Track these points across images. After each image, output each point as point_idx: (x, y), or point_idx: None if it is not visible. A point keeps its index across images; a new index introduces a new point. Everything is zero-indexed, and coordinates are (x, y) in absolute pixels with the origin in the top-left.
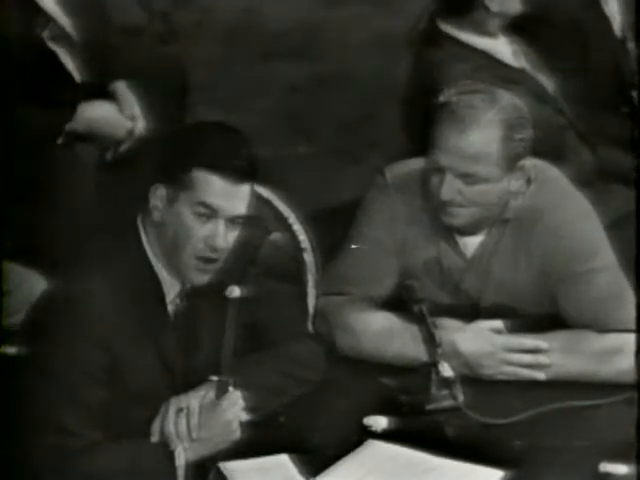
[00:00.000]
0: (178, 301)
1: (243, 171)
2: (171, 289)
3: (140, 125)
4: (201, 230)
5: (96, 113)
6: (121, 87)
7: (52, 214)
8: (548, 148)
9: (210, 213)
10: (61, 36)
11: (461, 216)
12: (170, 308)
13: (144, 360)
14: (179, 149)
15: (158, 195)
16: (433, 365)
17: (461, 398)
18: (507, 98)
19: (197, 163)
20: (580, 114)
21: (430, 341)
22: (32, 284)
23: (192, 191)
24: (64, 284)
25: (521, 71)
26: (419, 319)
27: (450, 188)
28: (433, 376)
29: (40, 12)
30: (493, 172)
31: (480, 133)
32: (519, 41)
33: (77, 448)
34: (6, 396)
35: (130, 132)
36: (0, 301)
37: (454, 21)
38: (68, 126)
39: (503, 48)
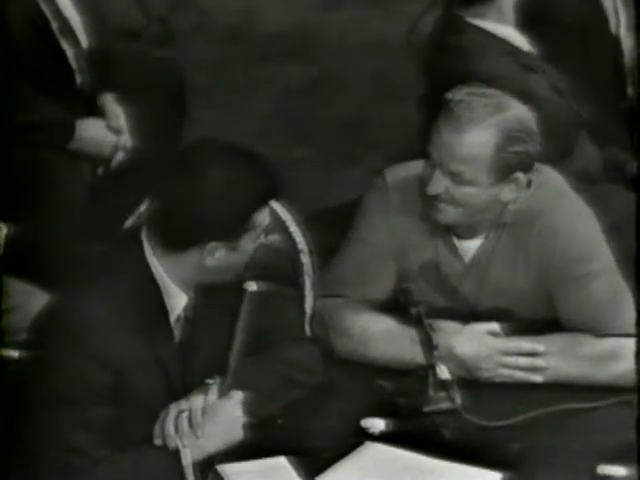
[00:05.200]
0: (184, 315)
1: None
2: (178, 303)
3: (125, 138)
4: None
5: (85, 133)
6: (108, 99)
7: (51, 227)
8: (560, 145)
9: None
10: (67, 31)
11: (448, 214)
12: (174, 322)
13: (148, 376)
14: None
15: (217, 256)
16: (430, 368)
17: (458, 400)
18: (515, 111)
19: (256, 207)
20: (586, 112)
21: (427, 344)
22: (34, 300)
23: (254, 230)
24: (64, 302)
25: (540, 60)
26: (416, 322)
27: (437, 183)
28: (430, 378)
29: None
30: (480, 177)
31: (473, 136)
32: (528, 35)
33: (84, 466)
34: (11, 415)
35: (115, 147)
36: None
37: (476, 9)
38: (69, 145)
39: (519, 38)
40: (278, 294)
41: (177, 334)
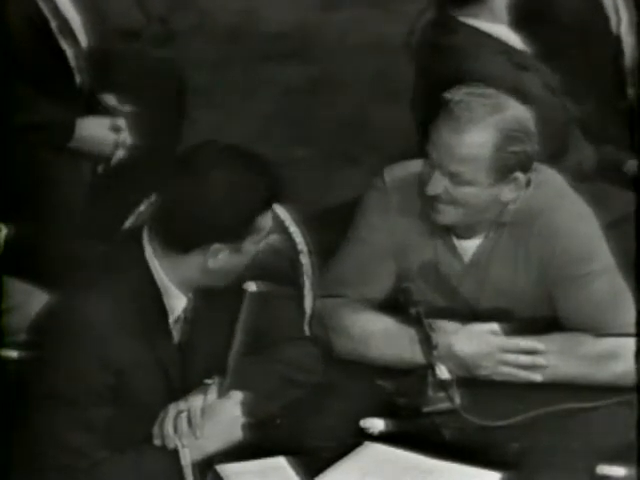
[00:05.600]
0: (184, 316)
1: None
2: (177, 305)
3: (124, 135)
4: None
5: (86, 131)
6: (108, 99)
7: (51, 227)
8: (554, 143)
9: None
10: (66, 30)
11: (447, 214)
12: (173, 323)
13: (148, 377)
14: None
15: (220, 258)
16: (430, 367)
17: (458, 400)
18: (513, 111)
19: (259, 210)
20: (582, 111)
21: (426, 343)
22: (34, 300)
23: (258, 233)
24: (64, 302)
25: (533, 59)
26: (416, 321)
27: (437, 184)
28: (430, 378)
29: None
30: (479, 177)
31: (472, 136)
32: (522, 34)
33: (84, 466)
34: (11, 415)
35: (115, 145)
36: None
37: (469, 9)
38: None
39: (513, 36)
40: (277, 294)
41: (176, 335)
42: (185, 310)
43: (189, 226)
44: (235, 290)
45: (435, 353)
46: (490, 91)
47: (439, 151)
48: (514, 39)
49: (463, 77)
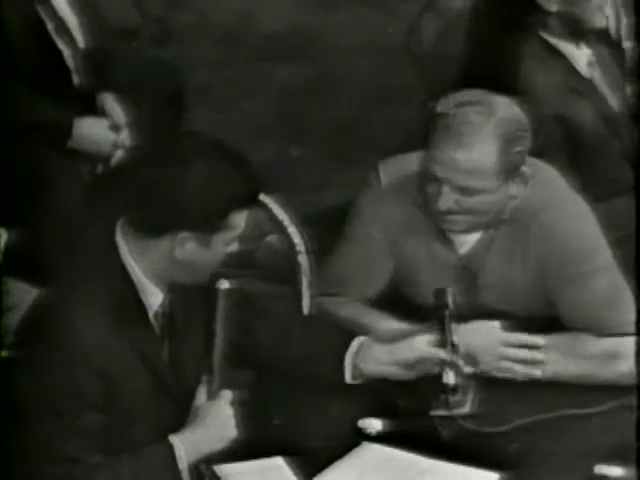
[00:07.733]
0: (162, 311)
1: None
2: (154, 300)
3: (124, 136)
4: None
5: (84, 131)
6: (108, 98)
7: (51, 229)
8: (604, 173)
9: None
10: (63, 31)
11: (460, 223)
12: (153, 319)
13: (135, 377)
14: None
15: (187, 249)
16: (440, 372)
17: (467, 408)
18: (504, 108)
19: (233, 207)
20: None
21: (447, 347)
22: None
23: (229, 230)
24: (49, 307)
25: (590, 82)
26: (440, 324)
27: (447, 199)
28: (441, 381)
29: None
30: (490, 184)
31: (476, 149)
32: (594, 52)
33: (79, 474)
34: (10, 414)
35: (115, 144)
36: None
37: (542, 20)
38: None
39: (580, 57)
40: (252, 291)
41: (157, 331)
42: (162, 305)
43: (162, 210)
44: (210, 287)
45: (448, 359)
46: (476, 94)
47: (445, 168)
48: (582, 60)
49: (506, 88)
